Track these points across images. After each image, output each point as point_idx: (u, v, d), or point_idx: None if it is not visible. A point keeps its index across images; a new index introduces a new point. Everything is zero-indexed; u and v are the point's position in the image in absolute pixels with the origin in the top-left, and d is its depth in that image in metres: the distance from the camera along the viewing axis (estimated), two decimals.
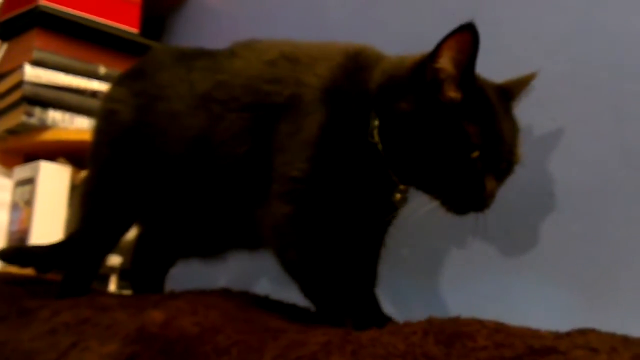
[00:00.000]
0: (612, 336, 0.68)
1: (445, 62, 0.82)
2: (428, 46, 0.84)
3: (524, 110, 0.92)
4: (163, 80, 1.09)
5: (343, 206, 0.89)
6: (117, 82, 1.21)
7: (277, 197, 0.89)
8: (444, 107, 0.82)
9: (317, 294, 0.87)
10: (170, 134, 1.05)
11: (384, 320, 0.83)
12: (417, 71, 0.84)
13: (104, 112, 1.16)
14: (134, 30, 1.88)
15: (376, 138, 0.87)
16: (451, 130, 0.81)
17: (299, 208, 0.87)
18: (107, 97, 1.21)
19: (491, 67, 0.87)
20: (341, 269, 0.87)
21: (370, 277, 0.97)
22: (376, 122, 0.87)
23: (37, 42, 1.70)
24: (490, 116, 0.83)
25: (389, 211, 0.94)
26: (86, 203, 1.15)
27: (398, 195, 0.91)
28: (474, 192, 0.82)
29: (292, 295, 0.94)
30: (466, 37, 0.79)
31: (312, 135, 0.88)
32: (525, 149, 0.90)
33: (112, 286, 1.72)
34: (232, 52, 1.05)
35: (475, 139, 0.81)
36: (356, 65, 0.92)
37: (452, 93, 0.83)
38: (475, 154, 0.81)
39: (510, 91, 0.91)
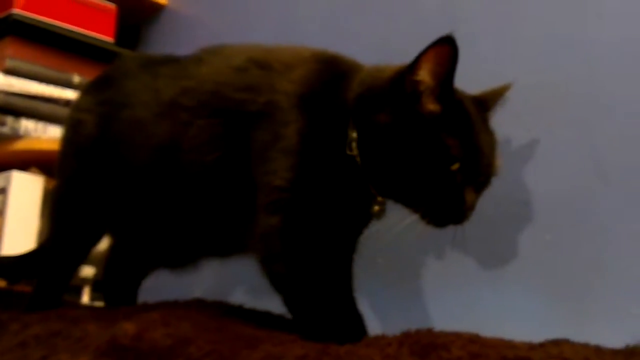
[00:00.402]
0: (585, 347, 0.69)
1: (424, 75, 0.82)
2: (403, 57, 0.84)
3: (498, 121, 0.93)
4: (128, 88, 1.08)
5: (325, 216, 0.88)
6: (84, 91, 1.19)
7: (263, 208, 0.87)
8: (423, 120, 0.82)
9: (302, 308, 0.85)
10: (136, 142, 1.03)
11: (364, 334, 0.82)
12: (396, 83, 0.84)
13: (70, 121, 1.15)
14: (109, 39, 1.86)
15: (354, 151, 0.86)
16: (431, 143, 0.81)
17: (286, 218, 0.86)
18: (74, 106, 1.19)
19: (466, 79, 0.88)
20: (324, 281, 0.86)
21: (347, 286, 0.96)
22: (354, 134, 0.86)
23: (10, 50, 1.67)
24: (469, 128, 0.84)
25: (367, 222, 0.94)
26: (55, 213, 1.14)
27: (376, 208, 0.90)
28: (454, 205, 0.82)
29: (267, 304, 0.93)
30: (445, 50, 0.80)
31: (293, 143, 0.87)
32: (500, 159, 0.90)
33: (85, 298, 1.69)
34: (198, 58, 1.04)
35: (455, 152, 0.81)
36: (331, 71, 0.92)
37: (431, 105, 0.82)
38: (455, 166, 0.81)
39: (485, 103, 0.91)
